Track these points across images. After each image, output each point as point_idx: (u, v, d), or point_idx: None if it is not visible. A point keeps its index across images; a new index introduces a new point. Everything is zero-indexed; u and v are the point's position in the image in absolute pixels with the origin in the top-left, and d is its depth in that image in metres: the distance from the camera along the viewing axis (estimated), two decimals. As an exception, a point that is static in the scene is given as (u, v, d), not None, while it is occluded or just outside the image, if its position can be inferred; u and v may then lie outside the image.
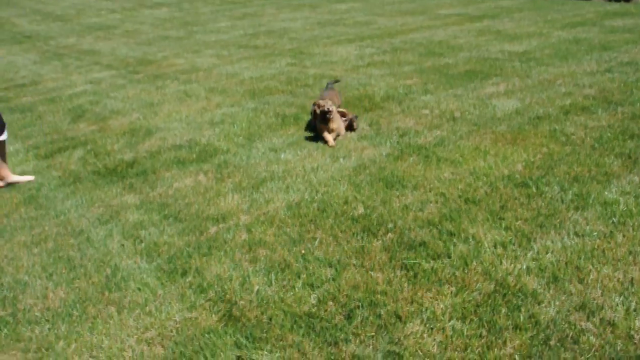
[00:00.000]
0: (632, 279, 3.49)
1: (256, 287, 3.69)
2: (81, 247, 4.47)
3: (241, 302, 3.56)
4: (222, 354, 3.16)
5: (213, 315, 3.48)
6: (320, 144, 6.12)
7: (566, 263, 3.68)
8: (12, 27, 21.58)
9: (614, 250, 3.77)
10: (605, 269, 3.58)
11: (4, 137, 5.81)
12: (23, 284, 4.04)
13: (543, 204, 4.44)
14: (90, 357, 3.27)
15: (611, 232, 3.98)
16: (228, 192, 5.14)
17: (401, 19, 15.19)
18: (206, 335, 3.31)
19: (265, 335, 3.26)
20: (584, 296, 3.36)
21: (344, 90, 8.26)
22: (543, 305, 3.31)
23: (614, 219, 4.14)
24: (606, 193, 4.50)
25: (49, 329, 3.53)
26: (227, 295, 3.63)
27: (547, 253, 3.79)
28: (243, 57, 12.04)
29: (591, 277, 3.52)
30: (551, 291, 3.43)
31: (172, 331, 3.39)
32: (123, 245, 4.39)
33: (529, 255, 3.78)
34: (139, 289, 3.80)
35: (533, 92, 7.34)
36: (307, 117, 7.10)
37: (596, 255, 3.73)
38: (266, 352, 3.13)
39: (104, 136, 7.35)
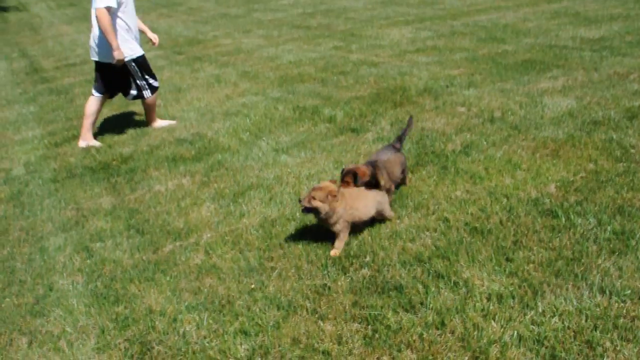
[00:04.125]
0: (662, 367, 2.56)
1: (184, 328, 3.10)
2: (32, 257, 4.07)
3: (159, 347, 2.98)
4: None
5: (124, 362, 2.94)
6: (328, 146, 5.40)
7: (575, 334, 2.78)
8: (87, 2, 22.13)
9: (648, 319, 2.83)
10: (627, 349, 2.66)
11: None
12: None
13: (569, 242, 3.50)
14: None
15: (650, 291, 3.02)
16: (205, 200, 4.56)
17: (472, -3, 13.86)
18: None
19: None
20: (588, 389, 2.49)
21: (379, 80, 7.42)
22: (527, 396, 2.49)
23: (659, 271, 3.16)
24: (657, 233, 3.49)
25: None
26: (149, 336, 3.07)
27: (553, 316, 2.91)
28: (291, 38, 11.39)
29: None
30: (543, 376, 2.58)
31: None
32: (71, 259, 3.94)
33: (528, 316, 2.92)
34: (62, 317, 3.32)
35: (596, 89, 6.16)
36: (327, 110, 6.37)
37: (620, 326, 2.80)
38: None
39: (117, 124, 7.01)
